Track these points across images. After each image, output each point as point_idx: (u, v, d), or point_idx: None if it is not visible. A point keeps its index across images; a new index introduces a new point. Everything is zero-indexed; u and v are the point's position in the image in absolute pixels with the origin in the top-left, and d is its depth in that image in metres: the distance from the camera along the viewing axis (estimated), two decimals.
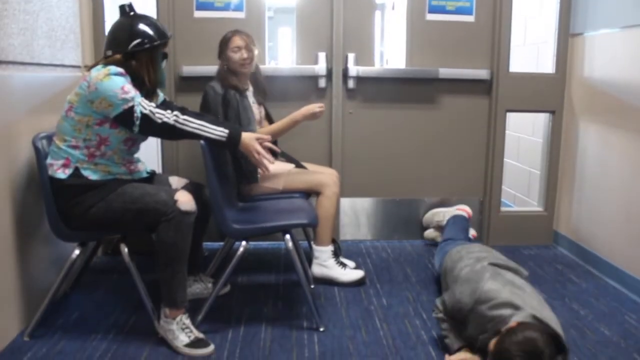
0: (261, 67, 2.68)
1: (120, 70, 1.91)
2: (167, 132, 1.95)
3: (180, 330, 1.97)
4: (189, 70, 2.90)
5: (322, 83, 3.03)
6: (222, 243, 2.68)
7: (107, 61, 1.96)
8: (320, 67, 3.00)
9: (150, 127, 1.91)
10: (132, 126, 1.90)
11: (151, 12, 2.84)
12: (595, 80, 2.85)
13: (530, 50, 3.73)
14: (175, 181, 2.24)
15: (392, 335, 2.11)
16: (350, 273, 2.59)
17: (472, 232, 3.12)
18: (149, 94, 2.04)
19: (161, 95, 2.23)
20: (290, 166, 2.64)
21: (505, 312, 1.69)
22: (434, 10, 3.05)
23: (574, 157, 3.05)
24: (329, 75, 3.03)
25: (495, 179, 3.18)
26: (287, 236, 2.20)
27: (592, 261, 2.87)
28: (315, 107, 2.49)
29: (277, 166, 2.59)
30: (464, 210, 3.06)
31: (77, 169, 1.95)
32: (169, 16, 2.88)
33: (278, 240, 3.03)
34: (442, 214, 3.08)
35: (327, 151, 3.11)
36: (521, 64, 3.67)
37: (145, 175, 2.17)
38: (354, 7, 3.02)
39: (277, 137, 2.53)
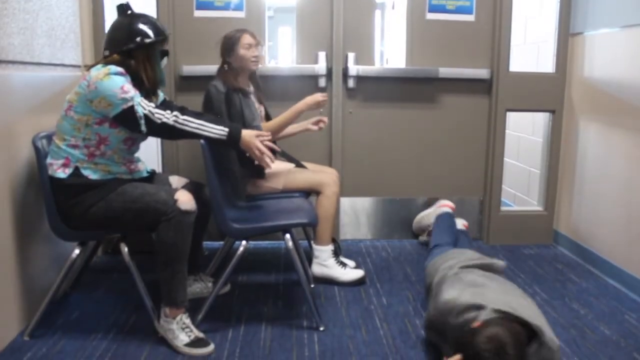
0: (261, 66, 2.67)
1: (120, 69, 1.91)
2: (167, 132, 1.95)
3: (180, 330, 1.97)
4: (189, 69, 2.90)
5: (322, 82, 3.03)
6: (222, 242, 2.68)
7: (106, 61, 1.96)
8: (320, 67, 3.00)
9: (149, 127, 1.91)
10: (137, 127, 1.90)
11: (151, 12, 2.84)
12: (596, 79, 2.85)
13: (531, 49, 3.73)
14: (176, 180, 2.24)
15: (392, 335, 2.11)
16: (350, 272, 2.59)
17: (463, 223, 3.10)
18: (149, 94, 2.03)
19: (161, 95, 2.23)
20: (290, 166, 2.64)
21: (470, 315, 1.70)
22: (434, 9, 3.05)
23: (574, 157, 3.05)
24: (329, 74, 3.03)
25: (495, 179, 3.18)
26: (287, 236, 2.20)
27: (592, 260, 2.87)
28: (318, 96, 2.49)
29: (277, 166, 2.58)
30: (446, 205, 3.06)
31: (77, 169, 1.95)
32: (169, 15, 2.88)
33: (278, 240, 3.04)
34: (428, 217, 3.09)
35: (327, 151, 3.11)
36: (521, 63, 3.66)
37: (145, 174, 2.17)
38: (354, 7, 3.02)
39: (283, 129, 2.52)
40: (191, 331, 1.98)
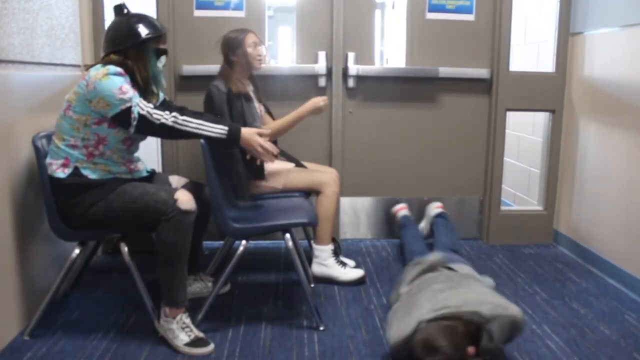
0: (263, 65, 2.67)
1: (119, 70, 1.91)
2: (166, 133, 1.95)
3: (180, 330, 1.97)
4: (189, 69, 2.90)
5: (322, 82, 3.03)
6: (222, 242, 2.68)
7: (105, 61, 1.96)
8: (320, 66, 3.00)
9: (148, 127, 1.91)
10: (128, 126, 1.90)
11: (151, 11, 2.84)
12: (596, 79, 2.85)
13: (531, 49, 3.73)
14: (175, 180, 2.24)
15: None
16: (350, 272, 2.59)
17: (436, 205, 3.09)
18: (146, 94, 2.03)
19: (161, 95, 2.23)
20: (290, 165, 2.64)
21: (408, 330, 1.73)
22: (434, 9, 3.05)
23: (574, 156, 3.05)
24: (329, 74, 3.03)
25: (495, 178, 3.18)
26: (287, 235, 2.20)
27: (592, 260, 2.87)
28: (319, 100, 2.48)
29: (277, 165, 2.59)
30: (437, 207, 3.08)
31: (76, 169, 1.95)
32: (168, 15, 2.88)
33: (278, 240, 3.04)
34: (427, 226, 3.10)
35: (327, 150, 3.11)
36: (521, 63, 3.66)
37: (145, 174, 2.17)
38: (354, 6, 3.01)
39: (282, 134, 2.52)
40: (191, 331, 1.98)
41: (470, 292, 1.85)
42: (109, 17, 2.74)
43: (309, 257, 2.64)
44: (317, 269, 2.58)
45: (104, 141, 1.95)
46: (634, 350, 2.01)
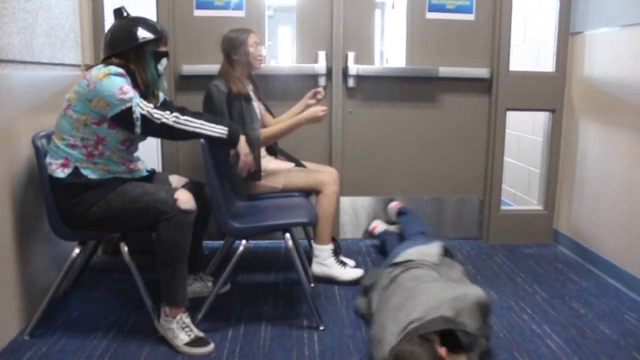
0: (263, 65, 2.67)
1: (120, 70, 1.91)
2: (167, 133, 1.95)
3: (180, 329, 1.97)
4: (188, 69, 2.90)
5: (322, 82, 3.03)
6: (222, 242, 2.68)
7: (107, 62, 1.96)
8: (320, 66, 3.00)
9: (149, 128, 1.91)
10: (132, 127, 1.90)
11: (151, 11, 2.85)
12: (596, 79, 2.85)
13: (531, 48, 3.73)
14: (175, 180, 2.25)
15: None
16: (350, 272, 2.59)
17: (394, 204, 3.12)
18: (147, 95, 2.03)
19: (161, 96, 2.23)
20: (290, 165, 2.64)
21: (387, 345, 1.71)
22: (434, 8, 3.05)
23: (574, 156, 3.05)
24: (328, 74, 3.03)
25: (495, 178, 3.18)
26: (287, 235, 2.20)
27: (592, 260, 2.87)
28: (318, 110, 2.40)
29: (277, 165, 2.59)
30: (395, 206, 3.10)
31: (76, 168, 1.95)
32: (168, 15, 2.88)
33: (278, 239, 3.04)
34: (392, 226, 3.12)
35: (327, 150, 3.11)
36: (521, 62, 3.66)
37: (145, 173, 2.17)
38: (354, 6, 3.01)
39: (278, 139, 2.50)
40: (191, 330, 1.98)
41: (427, 297, 1.80)
42: (109, 17, 2.74)
43: (308, 256, 2.64)
44: (317, 268, 2.58)
45: (103, 141, 1.95)
46: (634, 349, 2.01)
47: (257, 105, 2.56)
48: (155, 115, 1.89)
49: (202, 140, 1.99)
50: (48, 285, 2.13)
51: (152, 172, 2.23)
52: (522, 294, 2.51)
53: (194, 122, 1.94)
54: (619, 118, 2.66)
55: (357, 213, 3.24)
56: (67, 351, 1.94)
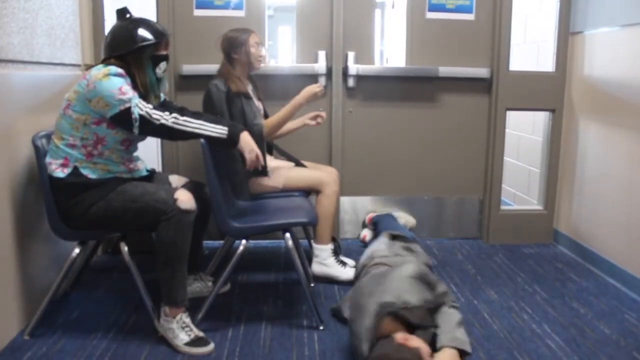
0: (263, 65, 2.67)
1: (120, 71, 1.91)
2: (166, 134, 1.95)
3: (180, 329, 1.97)
4: (188, 69, 2.90)
5: (322, 81, 3.02)
6: (222, 242, 2.67)
7: (107, 63, 1.96)
8: (320, 66, 3.00)
9: (148, 128, 1.91)
10: (131, 128, 1.90)
11: (151, 11, 2.85)
12: (595, 78, 2.85)
13: (531, 48, 3.73)
14: (175, 180, 2.24)
15: None
16: (350, 271, 2.59)
17: (369, 216, 3.14)
18: (147, 97, 2.03)
19: (161, 96, 2.22)
20: (290, 165, 2.64)
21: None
22: (434, 8, 3.05)
23: (574, 156, 3.05)
24: (329, 73, 3.03)
25: (495, 178, 3.18)
26: (287, 235, 2.20)
27: (592, 260, 2.87)
28: (314, 87, 2.46)
29: (277, 164, 2.59)
30: (370, 218, 3.13)
31: (76, 168, 1.95)
32: (168, 15, 2.88)
33: (278, 239, 3.04)
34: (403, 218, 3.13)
35: (327, 150, 3.11)
36: (521, 62, 3.66)
37: (145, 173, 2.17)
38: (354, 6, 3.01)
39: (284, 124, 2.50)
40: (191, 330, 1.98)
41: (370, 301, 1.79)
42: (109, 17, 2.75)
43: (308, 256, 2.64)
44: (317, 268, 2.58)
45: (102, 141, 1.95)
46: (634, 349, 2.01)
47: (257, 103, 2.56)
48: (154, 116, 1.89)
49: (202, 140, 1.99)
50: (48, 285, 2.13)
51: (152, 172, 2.23)
52: (522, 293, 2.51)
53: (193, 123, 1.94)
54: (619, 118, 2.66)
55: (357, 213, 3.23)
56: (67, 351, 1.94)
